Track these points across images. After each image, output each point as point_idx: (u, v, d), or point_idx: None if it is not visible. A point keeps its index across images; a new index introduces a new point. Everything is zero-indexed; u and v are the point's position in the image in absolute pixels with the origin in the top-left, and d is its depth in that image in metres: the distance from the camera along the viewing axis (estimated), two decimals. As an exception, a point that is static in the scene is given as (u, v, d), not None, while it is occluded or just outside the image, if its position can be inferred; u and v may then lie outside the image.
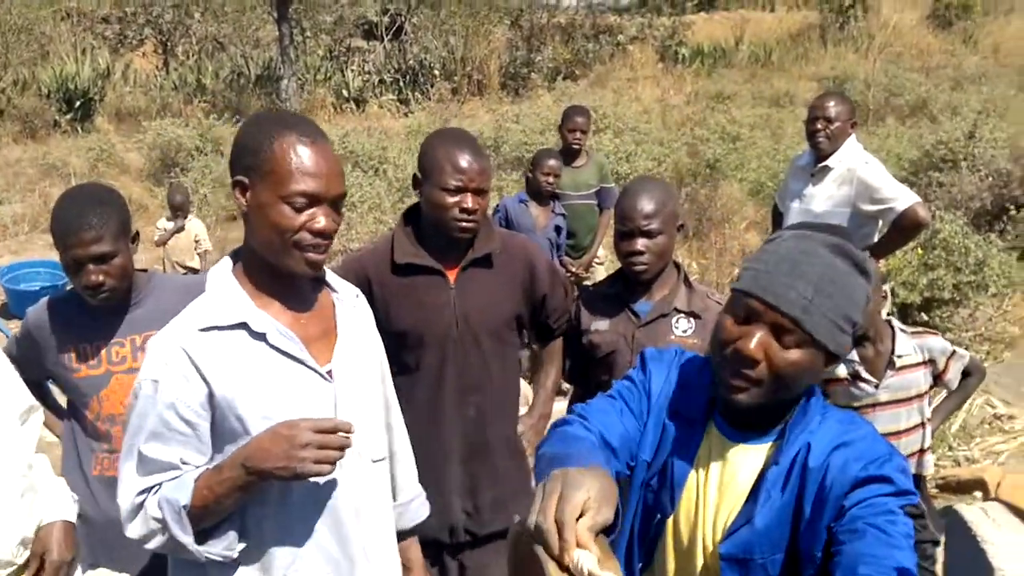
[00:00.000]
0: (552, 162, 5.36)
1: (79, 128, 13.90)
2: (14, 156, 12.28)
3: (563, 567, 1.11)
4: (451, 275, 2.50)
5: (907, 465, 1.44)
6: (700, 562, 1.54)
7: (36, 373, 2.48)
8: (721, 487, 1.53)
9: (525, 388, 4.22)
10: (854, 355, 2.97)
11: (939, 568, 2.97)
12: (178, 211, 7.07)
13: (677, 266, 2.65)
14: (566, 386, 3.46)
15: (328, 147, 1.74)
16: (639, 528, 1.62)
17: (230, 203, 10.29)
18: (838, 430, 1.47)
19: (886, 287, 3.13)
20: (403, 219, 2.59)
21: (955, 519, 1.41)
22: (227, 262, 1.84)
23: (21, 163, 11.94)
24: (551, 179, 5.33)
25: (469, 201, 2.40)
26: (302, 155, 1.68)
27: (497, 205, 5.66)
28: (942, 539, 2.83)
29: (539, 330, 2.81)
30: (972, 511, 1.40)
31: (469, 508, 2.56)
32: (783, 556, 1.46)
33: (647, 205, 2.48)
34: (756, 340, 1.40)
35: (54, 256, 2.70)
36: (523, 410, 2.87)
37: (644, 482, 1.61)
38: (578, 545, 1.10)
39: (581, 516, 1.12)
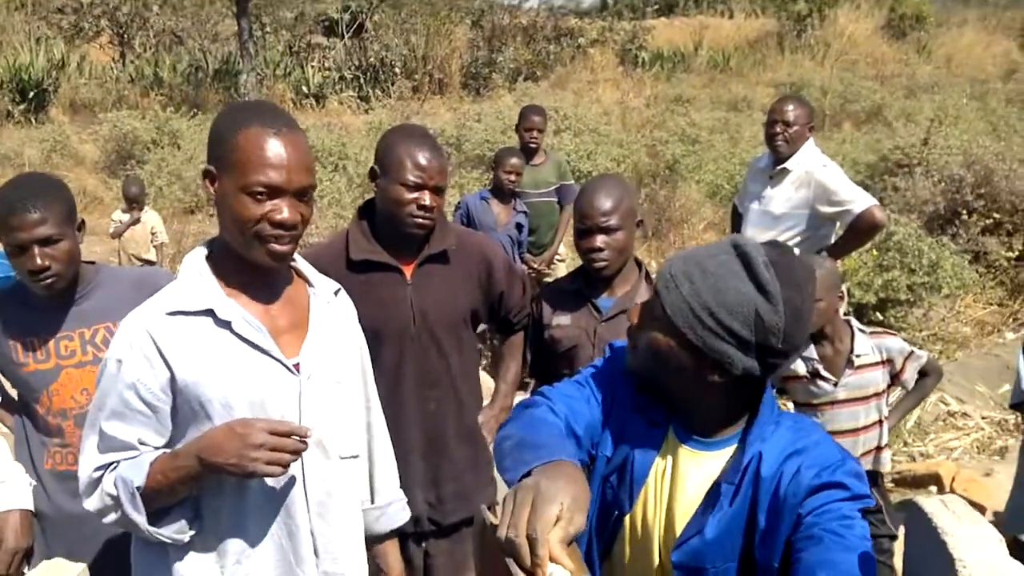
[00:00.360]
0: (514, 160, 5.37)
1: (32, 119, 13.64)
2: (-36, 146, 12.01)
3: None
4: (407, 271, 2.49)
5: (860, 468, 1.42)
6: (656, 560, 1.54)
7: None
8: (673, 492, 1.51)
9: (487, 380, 4.22)
10: (813, 353, 3.02)
11: (897, 561, 3.04)
12: (133, 203, 6.96)
13: (638, 263, 2.67)
14: (527, 379, 3.47)
15: (297, 138, 1.72)
16: (597, 521, 1.61)
17: (187, 196, 10.18)
18: (790, 438, 1.45)
19: (843, 287, 3.16)
20: (358, 214, 2.57)
21: (915, 511, 1.44)
22: (202, 250, 1.82)
23: (-29, 153, 11.68)
24: (513, 177, 5.34)
25: (427, 198, 2.40)
26: (265, 146, 1.66)
27: (459, 203, 5.66)
28: (899, 533, 2.89)
29: (500, 325, 2.82)
30: (932, 503, 1.42)
31: (432, 499, 2.56)
32: (736, 565, 1.45)
33: (605, 202, 2.50)
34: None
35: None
36: (485, 402, 2.88)
37: (604, 476, 1.59)
38: (551, 559, 1.09)
39: (554, 527, 1.11)
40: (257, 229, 1.68)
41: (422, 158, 2.40)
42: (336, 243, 2.56)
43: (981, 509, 3.57)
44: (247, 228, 1.68)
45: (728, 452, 1.48)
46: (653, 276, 2.65)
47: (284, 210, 1.68)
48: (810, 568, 1.29)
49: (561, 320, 2.60)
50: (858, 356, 2.99)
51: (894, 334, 3.19)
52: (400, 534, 2.45)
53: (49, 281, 2.24)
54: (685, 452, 1.50)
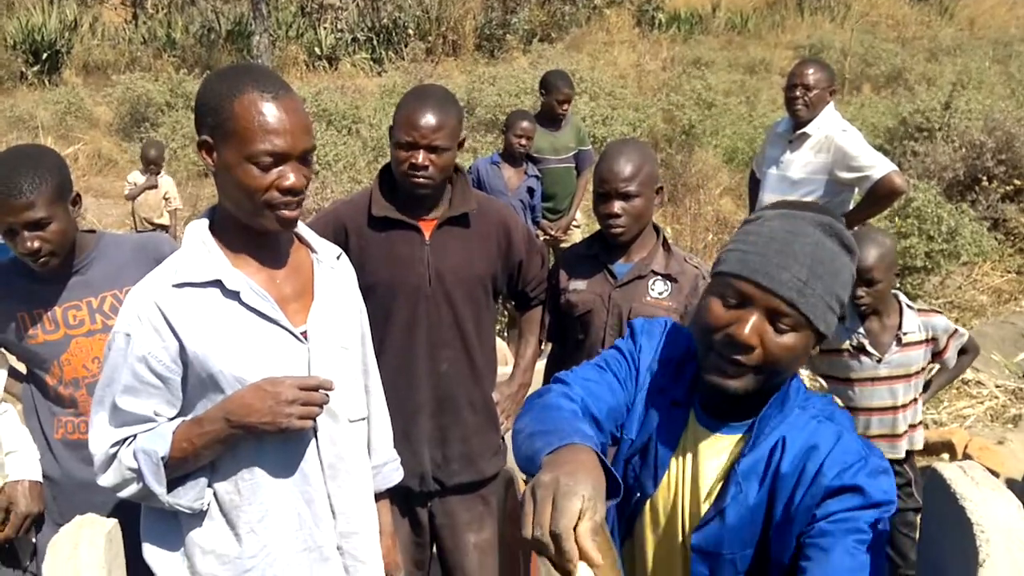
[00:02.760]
0: (525, 124, 5.32)
1: (46, 81, 13.62)
2: (-22, 108, 12.02)
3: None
4: (427, 232, 2.49)
5: (884, 464, 1.37)
6: (678, 542, 1.53)
7: None
8: (695, 476, 1.48)
9: (503, 348, 4.22)
10: (860, 328, 2.99)
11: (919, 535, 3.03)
12: (151, 165, 6.94)
13: (656, 229, 2.65)
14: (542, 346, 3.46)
15: (293, 100, 1.69)
16: (619, 503, 1.55)
17: (200, 160, 10.16)
18: (814, 428, 1.41)
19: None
20: (379, 176, 2.58)
21: (933, 476, 1.43)
22: (203, 220, 1.81)
23: (-14, 115, 11.70)
24: (523, 141, 5.30)
25: (419, 156, 2.38)
26: (265, 112, 1.62)
27: (469, 167, 5.63)
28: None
29: (517, 299, 2.82)
30: (950, 469, 1.41)
31: (438, 459, 2.58)
32: (752, 553, 1.43)
33: (625, 168, 2.48)
34: (751, 325, 1.33)
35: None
36: (502, 370, 2.88)
37: (627, 459, 1.57)
38: (581, 555, 1.08)
39: (579, 520, 1.09)
40: (267, 198, 1.66)
41: (417, 117, 2.38)
42: (359, 199, 2.57)
43: (994, 476, 3.56)
44: (256, 198, 1.66)
45: (741, 437, 1.45)
46: (671, 243, 2.64)
47: (291, 176, 1.67)
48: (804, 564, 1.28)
49: (577, 285, 2.61)
50: (906, 334, 2.96)
51: (940, 312, 3.15)
52: (406, 493, 2.49)
53: (42, 261, 2.23)
54: (704, 434, 1.48)
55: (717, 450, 1.47)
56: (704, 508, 1.46)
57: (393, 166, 2.46)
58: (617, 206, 2.49)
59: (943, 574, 1.40)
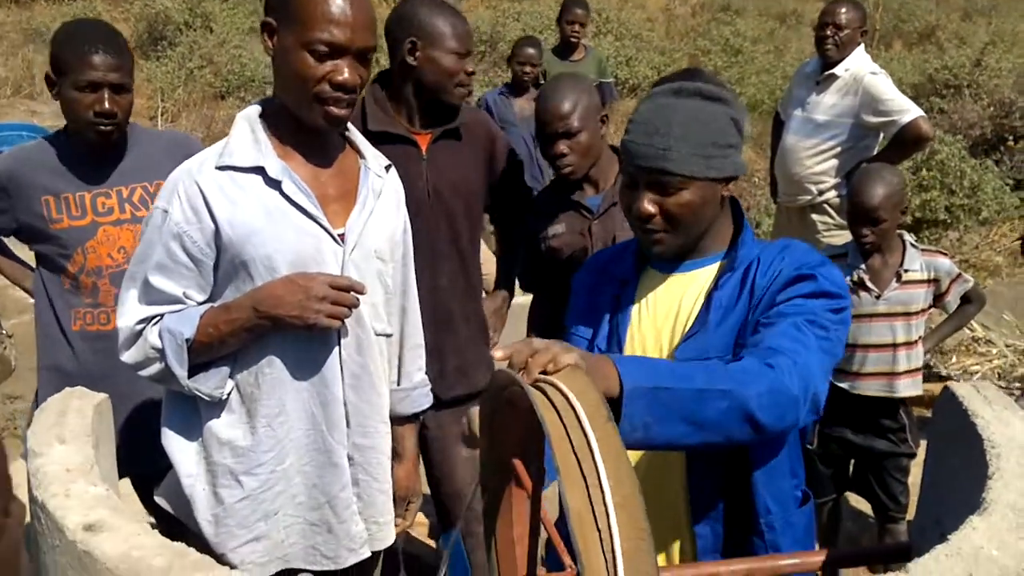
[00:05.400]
0: (529, 51, 5.20)
1: (64, -6, 13.42)
2: (-3, 19, 11.91)
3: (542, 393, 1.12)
4: (423, 145, 2.47)
5: (840, 276, 1.55)
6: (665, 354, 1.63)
7: (2, 224, 2.37)
8: (668, 313, 1.63)
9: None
10: (862, 264, 2.96)
11: (911, 480, 3.02)
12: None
13: (615, 151, 2.60)
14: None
15: None
16: None
17: (218, 80, 10.07)
18: (783, 246, 1.61)
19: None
20: (377, 84, 2.52)
21: (945, 395, 1.41)
22: (256, 107, 1.79)
23: (4, 27, 11.57)
24: (528, 68, 5.18)
25: (470, 65, 2.38)
26: (330, 1, 1.61)
27: (479, 99, 5.54)
28: (919, 453, 2.87)
29: (500, 212, 2.82)
30: (964, 388, 1.39)
31: (434, 373, 2.56)
32: (732, 358, 1.51)
33: (562, 105, 2.44)
34: (644, 199, 1.55)
35: (35, 122, 2.61)
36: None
37: (591, 347, 1.71)
38: (554, 364, 1.15)
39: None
40: (318, 90, 1.64)
41: (462, 28, 2.37)
42: (352, 113, 2.53)
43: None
44: (308, 87, 1.64)
45: (720, 263, 1.62)
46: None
47: (345, 71, 1.64)
48: (753, 345, 1.44)
49: (556, 229, 2.57)
50: (906, 271, 2.91)
51: (945, 254, 3.10)
52: None
53: (109, 129, 2.24)
54: (672, 276, 1.65)
55: (694, 281, 1.63)
56: (683, 332, 1.59)
57: (437, 77, 2.41)
58: (562, 146, 2.46)
59: (948, 491, 1.38)
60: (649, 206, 1.54)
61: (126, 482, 2.47)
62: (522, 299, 3.06)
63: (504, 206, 2.75)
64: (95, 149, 2.31)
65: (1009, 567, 1.01)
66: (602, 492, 0.97)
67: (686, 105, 1.52)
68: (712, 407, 1.27)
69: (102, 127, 2.24)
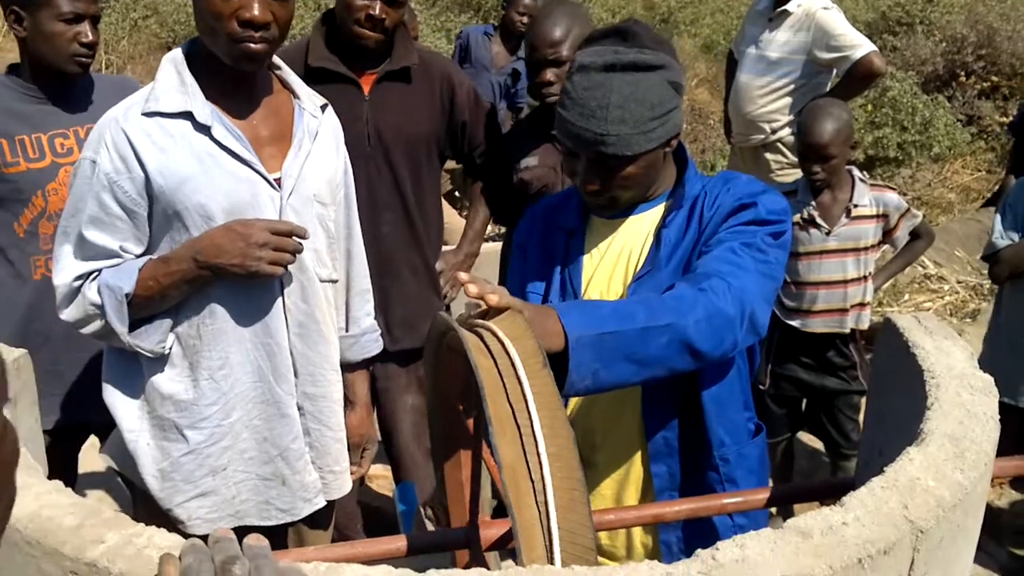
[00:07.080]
0: (529, 1, 5.10)
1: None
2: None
3: (483, 342, 1.10)
4: (365, 86, 2.39)
5: (783, 202, 1.54)
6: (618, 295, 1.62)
7: None
8: (619, 256, 1.61)
9: (453, 218, 4.12)
10: (812, 201, 2.95)
11: (862, 417, 3.07)
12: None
13: None
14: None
15: None
16: None
17: (163, 31, 9.77)
18: (722, 178, 1.61)
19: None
20: (320, 21, 2.45)
21: (887, 326, 1.41)
22: (180, 51, 1.72)
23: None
24: (526, 20, 5.08)
25: (376, 8, 2.28)
26: None
27: (460, 31, 5.40)
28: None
29: (465, 163, 2.74)
30: (905, 319, 1.39)
31: (380, 325, 2.54)
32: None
33: (553, 32, 2.38)
34: (586, 173, 1.51)
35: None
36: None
37: (545, 301, 1.66)
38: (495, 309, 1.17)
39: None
40: (228, 27, 1.58)
41: None
42: (296, 48, 2.45)
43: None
44: (218, 26, 1.58)
45: (665, 204, 1.61)
46: None
47: (254, 7, 1.58)
48: (692, 270, 1.45)
49: (528, 162, 2.53)
50: (856, 206, 2.92)
51: (894, 189, 3.11)
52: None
53: (87, 61, 2.22)
54: (620, 222, 1.62)
55: (641, 223, 1.61)
56: (635, 270, 1.58)
57: (341, 13, 2.33)
58: (550, 73, 2.40)
59: (890, 422, 1.39)
60: (592, 180, 1.52)
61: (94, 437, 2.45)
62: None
63: (474, 155, 2.67)
64: (52, 88, 2.25)
65: (945, 498, 1.01)
66: (535, 442, 0.95)
67: (621, 82, 1.45)
68: (654, 343, 1.28)
69: (85, 58, 2.21)
